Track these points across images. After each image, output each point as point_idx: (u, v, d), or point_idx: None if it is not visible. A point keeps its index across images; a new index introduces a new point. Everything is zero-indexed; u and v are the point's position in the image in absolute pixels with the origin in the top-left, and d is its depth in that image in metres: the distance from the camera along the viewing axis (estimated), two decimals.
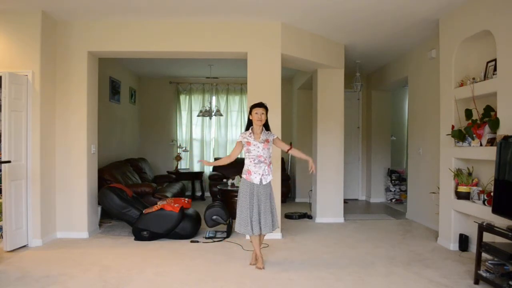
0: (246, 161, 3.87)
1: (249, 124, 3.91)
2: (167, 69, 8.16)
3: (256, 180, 3.79)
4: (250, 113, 3.89)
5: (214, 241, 4.88)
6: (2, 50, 4.60)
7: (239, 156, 4.10)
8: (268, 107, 3.94)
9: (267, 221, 3.80)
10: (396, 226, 5.84)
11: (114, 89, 7.27)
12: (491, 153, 3.79)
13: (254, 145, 3.80)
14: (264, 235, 3.97)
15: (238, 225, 3.83)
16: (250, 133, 3.85)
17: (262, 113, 3.82)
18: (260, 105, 3.86)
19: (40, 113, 4.62)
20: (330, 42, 5.87)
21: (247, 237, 3.88)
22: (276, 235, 5.04)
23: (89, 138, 5.10)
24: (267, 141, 3.83)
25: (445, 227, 4.68)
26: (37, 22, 4.59)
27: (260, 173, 3.80)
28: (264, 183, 3.81)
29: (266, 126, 3.91)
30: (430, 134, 5.67)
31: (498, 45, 3.83)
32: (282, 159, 7.10)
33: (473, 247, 4.23)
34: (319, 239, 5.07)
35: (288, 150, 3.99)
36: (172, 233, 4.94)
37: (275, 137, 3.95)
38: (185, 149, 8.86)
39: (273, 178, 5.04)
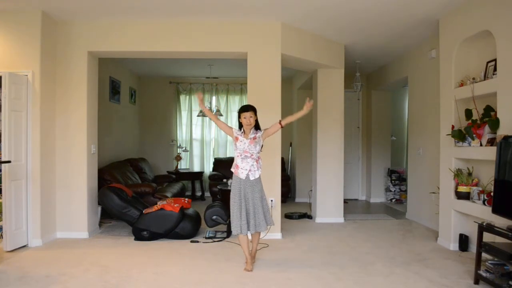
0: (234, 157, 3.89)
1: (240, 126, 3.89)
2: (167, 69, 8.16)
3: (242, 175, 3.78)
4: (239, 117, 3.87)
5: (214, 241, 4.88)
6: (2, 50, 4.60)
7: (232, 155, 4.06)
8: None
9: (258, 220, 3.77)
10: (396, 226, 5.84)
11: (114, 89, 7.26)
12: (491, 153, 3.79)
13: (241, 141, 3.80)
14: (259, 235, 3.96)
15: (231, 224, 3.84)
16: (242, 132, 3.87)
17: (251, 117, 3.78)
18: (247, 109, 3.82)
19: (40, 113, 4.62)
20: (330, 42, 5.87)
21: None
22: (276, 235, 5.05)
23: (89, 138, 5.10)
24: (254, 138, 3.80)
25: (445, 227, 4.68)
26: (37, 22, 4.58)
27: (247, 168, 3.79)
28: (251, 178, 3.79)
29: (257, 126, 3.87)
30: (430, 134, 5.66)
31: (498, 45, 3.83)
32: (282, 159, 7.10)
33: (473, 247, 4.22)
34: (319, 239, 5.07)
35: (281, 126, 3.86)
36: (172, 233, 4.94)
37: (263, 131, 3.87)
38: (185, 149, 8.87)
39: (273, 178, 5.12)
